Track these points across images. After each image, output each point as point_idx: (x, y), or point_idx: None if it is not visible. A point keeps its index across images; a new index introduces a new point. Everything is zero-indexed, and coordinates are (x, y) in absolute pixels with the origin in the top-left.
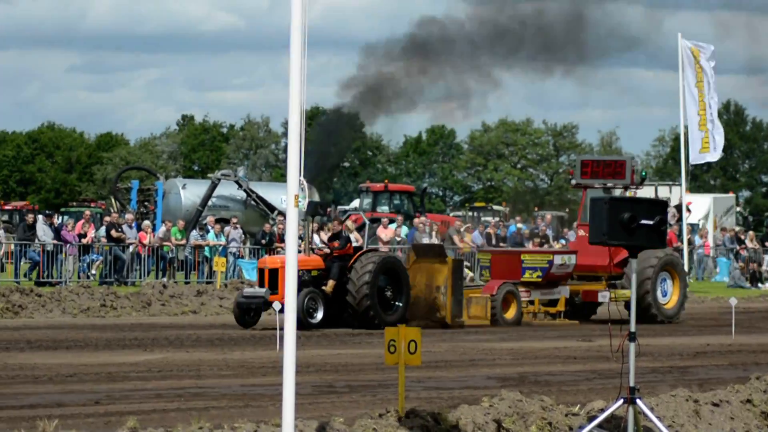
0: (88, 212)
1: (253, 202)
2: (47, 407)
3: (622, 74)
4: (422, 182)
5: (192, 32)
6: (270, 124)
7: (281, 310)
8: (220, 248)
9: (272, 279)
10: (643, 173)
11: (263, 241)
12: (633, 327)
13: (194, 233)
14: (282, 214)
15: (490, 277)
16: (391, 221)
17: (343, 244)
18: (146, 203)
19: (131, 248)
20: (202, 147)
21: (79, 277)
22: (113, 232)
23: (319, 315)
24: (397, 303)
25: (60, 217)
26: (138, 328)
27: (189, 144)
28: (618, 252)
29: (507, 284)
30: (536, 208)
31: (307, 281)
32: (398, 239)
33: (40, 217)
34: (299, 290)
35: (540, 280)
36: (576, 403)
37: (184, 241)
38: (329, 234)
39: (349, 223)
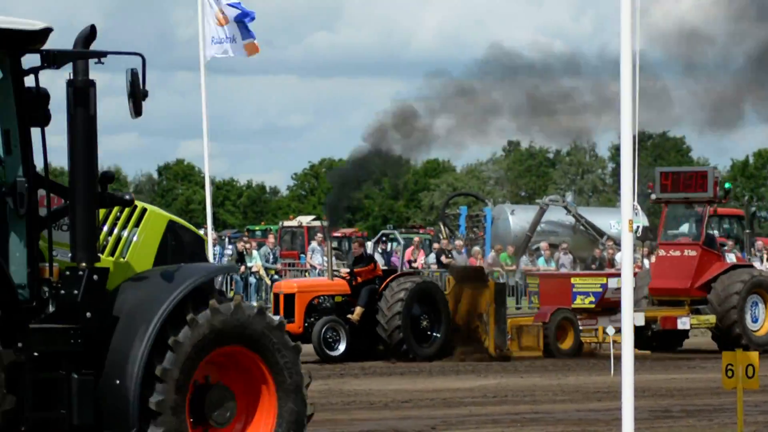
0: (417, 238)
1: (582, 227)
2: None
3: None
4: (750, 206)
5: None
6: (596, 149)
7: (615, 334)
8: None
9: (288, 305)
10: (727, 185)
11: (593, 266)
12: None
13: (524, 258)
14: (612, 238)
15: (539, 304)
16: (722, 245)
17: (365, 265)
18: (475, 229)
19: None
20: (529, 173)
21: None
22: (443, 258)
23: (341, 346)
24: (434, 334)
25: (389, 244)
26: (470, 356)
27: (515, 170)
28: (700, 273)
29: (563, 310)
30: None
31: (329, 309)
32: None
33: (369, 243)
34: (319, 317)
35: (593, 306)
36: None
37: (514, 267)
38: (353, 257)
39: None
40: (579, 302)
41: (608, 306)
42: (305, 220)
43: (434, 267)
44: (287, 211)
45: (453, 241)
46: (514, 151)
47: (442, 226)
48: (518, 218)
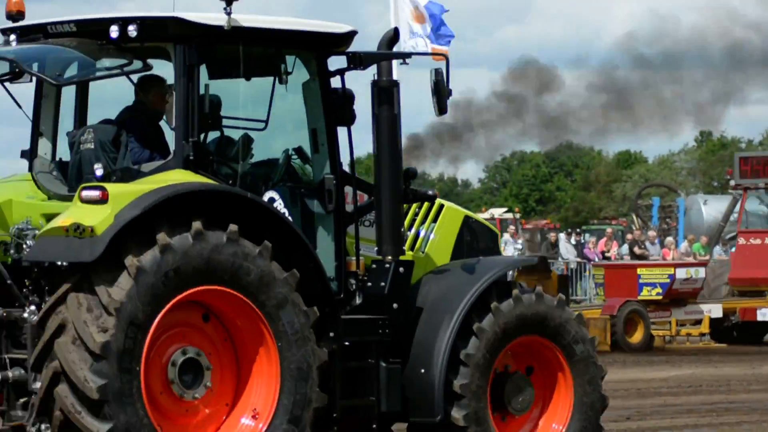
0: (609, 230)
1: None
2: None
3: None
4: None
5: (711, 48)
6: None
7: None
8: None
9: None
10: None
11: None
12: None
13: (717, 248)
14: None
15: (604, 295)
16: None
17: None
18: (668, 219)
19: None
20: (721, 162)
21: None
22: (636, 249)
23: None
24: None
25: (582, 235)
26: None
27: (707, 160)
28: None
29: (631, 302)
30: None
31: None
32: None
33: (561, 235)
34: None
35: (660, 297)
36: None
37: (707, 257)
38: None
39: None
40: (645, 293)
41: (676, 297)
42: (497, 212)
43: (627, 258)
44: (479, 203)
45: (646, 231)
46: (706, 141)
47: (634, 217)
48: (711, 208)
